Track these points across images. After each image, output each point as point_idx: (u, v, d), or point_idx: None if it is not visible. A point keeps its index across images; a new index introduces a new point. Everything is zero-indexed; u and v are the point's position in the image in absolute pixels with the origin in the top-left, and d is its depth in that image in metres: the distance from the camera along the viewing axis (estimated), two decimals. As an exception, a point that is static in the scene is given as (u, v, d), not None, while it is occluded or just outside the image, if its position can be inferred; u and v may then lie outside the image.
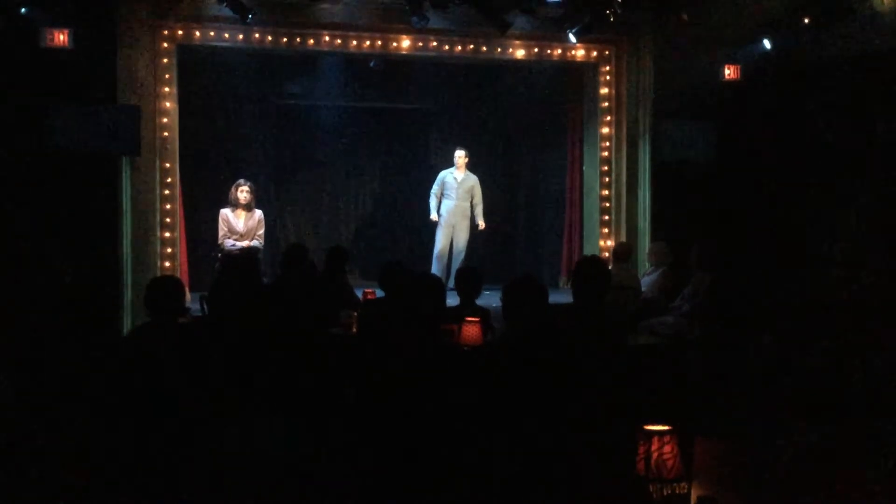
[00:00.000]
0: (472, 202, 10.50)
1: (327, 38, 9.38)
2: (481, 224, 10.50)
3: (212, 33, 9.08)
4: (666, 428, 2.79)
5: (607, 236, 10.16)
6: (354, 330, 6.17)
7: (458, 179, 10.46)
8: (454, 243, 10.45)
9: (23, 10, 7.99)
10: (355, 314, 6.38)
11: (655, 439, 2.76)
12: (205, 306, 6.54)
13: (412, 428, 3.58)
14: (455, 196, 10.45)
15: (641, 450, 2.78)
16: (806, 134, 9.71)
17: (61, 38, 8.14)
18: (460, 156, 10.50)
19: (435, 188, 10.53)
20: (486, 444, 3.47)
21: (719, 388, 3.78)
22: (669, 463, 2.76)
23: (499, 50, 9.79)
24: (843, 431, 3.43)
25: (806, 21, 9.04)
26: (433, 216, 10.53)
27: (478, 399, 3.63)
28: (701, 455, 3.03)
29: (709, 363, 4.18)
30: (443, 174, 10.58)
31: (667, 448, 2.76)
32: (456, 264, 10.13)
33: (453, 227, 10.44)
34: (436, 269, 10.25)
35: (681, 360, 4.81)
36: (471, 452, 3.46)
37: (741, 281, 7.27)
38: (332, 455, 3.74)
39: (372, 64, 10.39)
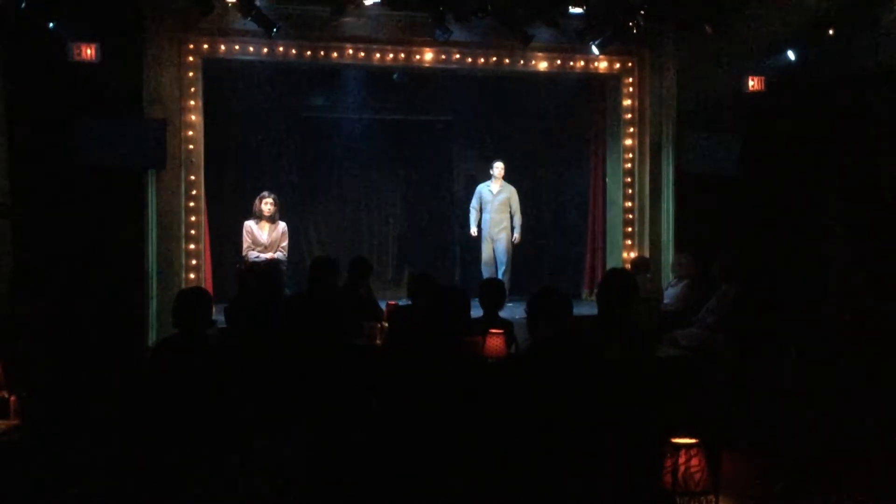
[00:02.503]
0: (510, 213, 10.47)
1: (351, 52, 9.43)
2: (516, 237, 10.40)
3: (237, 47, 9.14)
4: (693, 441, 2.79)
5: (630, 248, 10.14)
6: (378, 341, 6.18)
7: (494, 192, 10.41)
8: (496, 254, 10.42)
9: (51, 24, 8.09)
10: (379, 325, 6.39)
11: (683, 452, 2.76)
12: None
13: (436, 438, 3.59)
14: (490, 209, 10.39)
15: (668, 462, 2.78)
16: (830, 146, 9.67)
17: (89, 52, 8.22)
18: (498, 168, 10.44)
19: (473, 202, 10.54)
20: (511, 455, 3.47)
21: (746, 401, 3.77)
22: (696, 476, 2.76)
23: (521, 62, 9.80)
24: (870, 442, 3.42)
25: (830, 32, 9.00)
26: (472, 230, 10.52)
27: (502, 410, 3.63)
28: (728, 468, 3.02)
29: (735, 376, 4.17)
30: (480, 188, 10.57)
31: (694, 461, 2.76)
32: (500, 275, 10.08)
33: (493, 239, 10.41)
34: (486, 276, 10.22)
35: (706, 372, 4.79)
36: (495, 463, 3.47)
37: (766, 294, 7.24)
38: (357, 464, 3.76)
39: (395, 76, 10.43)
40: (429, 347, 3.97)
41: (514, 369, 4.09)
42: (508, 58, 9.74)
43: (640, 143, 10.13)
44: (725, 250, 8.21)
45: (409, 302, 6.84)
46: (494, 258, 10.42)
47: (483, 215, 10.46)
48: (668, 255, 9.71)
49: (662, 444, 2.85)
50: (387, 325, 6.41)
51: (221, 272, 10.10)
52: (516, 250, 10.56)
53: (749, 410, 3.69)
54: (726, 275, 7.77)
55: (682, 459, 2.75)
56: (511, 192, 10.44)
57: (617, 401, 3.54)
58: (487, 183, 10.52)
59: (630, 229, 10.20)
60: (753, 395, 3.88)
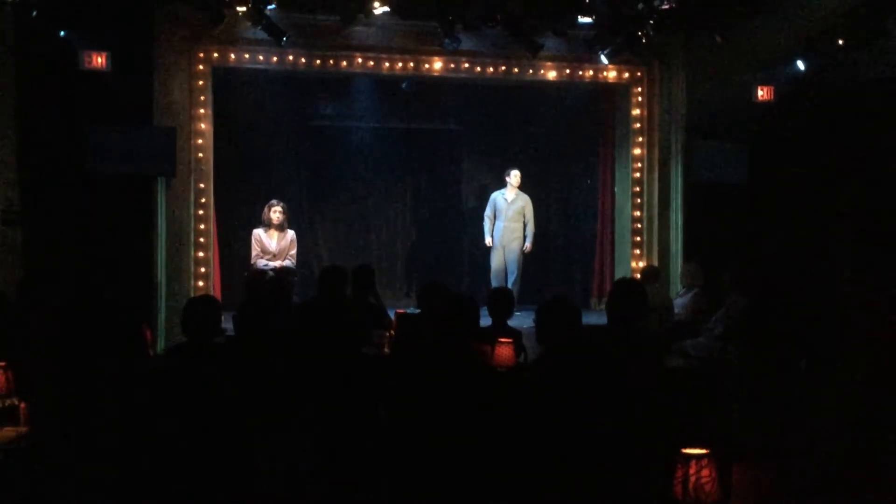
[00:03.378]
0: (524, 222, 10.43)
1: (360, 60, 9.46)
2: (527, 246, 10.36)
3: (247, 56, 9.18)
4: (704, 452, 2.77)
5: (639, 257, 10.12)
6: (387, 349, 6.17)
7: (509, 200, 10.35)
8: (507, 263, 10.37)
9: (62, 32, 8.13)
10: (388, 334, 6.38)
11: (693, 463, 2.75)
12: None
13: (444, 446, 3.58)
14: (505, 217, 10.31)
15: (679, 473, 2.76)
16: (839, 155, 9.64)
17: (99, 60, 8.25)
18: (515, 176, 10.37)
19: (487, 211, 10.44)
20: (519, 464, 3.46)
21: (756, 411, 3.76)
22: (707, 487, 2.74)
23: (530, 71, 9.81)
24: (881, 452, 3.40)
25: (840, 42, 8.99)
26: (487, 240, 10.42)
27: (510, 419, 3.62)
28: (738, 479, 3.01)
29: (745, 386, 4.16)
30: (494, 195, 10.48)
31: (704, 472, 2.75)
32: (509, 284, 10.05)
33: (504, 248, 10.33)
34: (495, 286, 10.17)
35: (716, 382, 4.78)
36: (504, 474, 3.46)
37: (775, 303, 7.22)
38: (365, 472, 3.75)
39: (404, 85, 10.43)
40: (437, 355, 3.97)
41: (524, 378, 4.08)
42: (517, 67, 9.75)
43: (649, 152, 10.12)
44: (734, 260, 8.20)
45: (418, 310, 6.82)
46: (505, 267, 10.37)
47: (497, 223, 10.38)
48: (677, 265, 9.69)
49: (672, 454, 2.84)
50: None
51: (230, 280, 10.11)
52: (525, 259, 10.54)
53: (760, 421, 3.68)
54: (735, 284, 7.75)
55: (692, 470, 2.73)
56: (526, 201, 10.40)
57: (626, 411, 3.53)
58: (502, 191, 10.46)
59: (639, 238, 10.19)
60: (764, 405, 3.87)
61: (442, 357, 3.95)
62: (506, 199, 10.36)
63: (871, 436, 3.71)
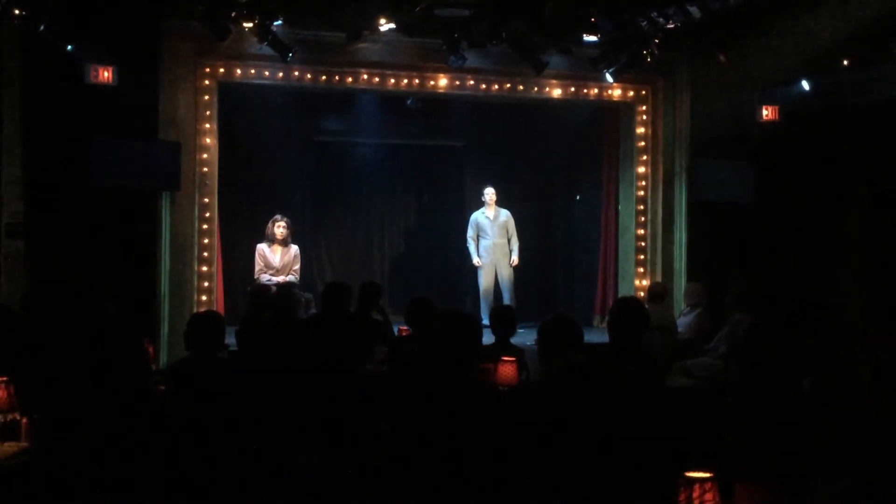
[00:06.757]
0: (508, 237, 10.47)
1: (365, 77, 9.48)
2: (514, 260, 10.43)
3: (252, 71, 9.20)
4: (707, 475, 2.75)
5: (642, 276, 10.11)
6: (390, 366, 6.16)
7: (491, 218, 10.41)
8: (500, 281, 10.37)
9: (69, 46, 8.16)
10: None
11: (697, 486, 2.73)
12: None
13: (446, 464, 3.57)
14: (491, 235, 10.37)
15: (682, 497, 2.75)
16: (844, 175, 9.64)
17: (105, 74, 8.28)
18: (490, 193, 10.46)
19: (470, 232, 10.47)
20: (520, 484, 3.45)
21: (759, 433, 3.74)
22: (711, 511, 2.73)
23: (535, 89, 9.83)
24: (882, 477, 3.38)
25: (845, 62, 9.01)
26: (475, 261, 10.44)
27: (512, 439, 3.61)
28: (742, 502, 2.99)
29: (748, 407, 4.13)
30: (474, 216, 10.53)
31: (708, 496, 2.73)
32: (507, 301, 10.05)
33: (495, 265, 10.37)
34: (483, 307, 10.19)
35: (719, 403, 4.76)
36: (504, 492, 3.44)
37: (779, 323, 7.20)
38: (367, 488, 3.74)
39: (409, 102, 10.47)
40: (441, 373, 3.95)
41: (527, 397, 4.07)
42: (522, 85, 9.77)
43: (653, 170, 10.13)
44: (738, 279, 8.18)
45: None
46: (496, 287, 10.38)
47: (482, 242, 10.42)
48: (681, 283, 9.68)
49: (675, 477, 2.83)
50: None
51: (233, 295, 10.10)
52: (527, 276, 10.53)
53: (763, 442, 3.66)
54: (739, 303, 7.73)
55: (696, 494, 2.71)
56: (507, 216, 10.46)
57: (629, 432, 3.52)
58: (482, 210, 10.51)
59: (642, 257, 10.18)
60: (767, 427, 3.84)
61: (438, 375, 3.94)
62: (488, 218, 10.41)
63: (875, 456, 3.69)
